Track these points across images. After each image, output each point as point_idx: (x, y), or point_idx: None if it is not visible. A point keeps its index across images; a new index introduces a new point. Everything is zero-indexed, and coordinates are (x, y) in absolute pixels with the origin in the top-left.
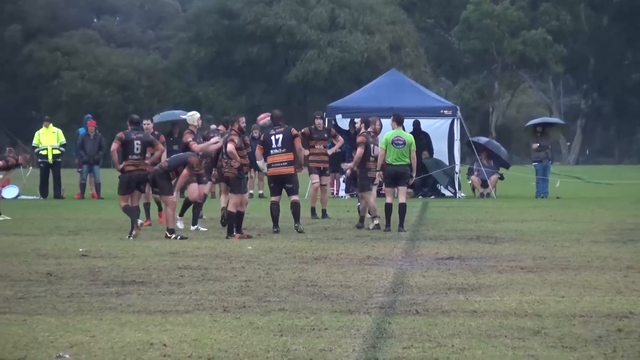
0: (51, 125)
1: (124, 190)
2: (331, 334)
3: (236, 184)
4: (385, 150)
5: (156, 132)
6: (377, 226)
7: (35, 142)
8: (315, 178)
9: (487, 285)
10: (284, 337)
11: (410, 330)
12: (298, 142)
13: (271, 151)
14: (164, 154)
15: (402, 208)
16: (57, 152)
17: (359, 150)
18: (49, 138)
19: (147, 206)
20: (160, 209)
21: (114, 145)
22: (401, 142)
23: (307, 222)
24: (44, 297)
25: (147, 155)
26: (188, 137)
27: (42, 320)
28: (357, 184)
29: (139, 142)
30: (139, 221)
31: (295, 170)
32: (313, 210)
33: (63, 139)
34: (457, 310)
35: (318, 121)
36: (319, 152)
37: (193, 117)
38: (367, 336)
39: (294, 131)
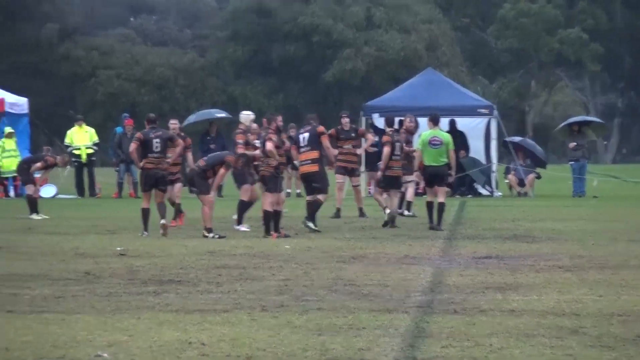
0: (84, 124)
1: (143, 188)
2: (369, 333)
3: (272, 183)
4: (422, 150)
5: (182, 134)
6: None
7: (67, 141)
8: (340, 178)
9: (525, 284)
10: (322, 336)
11: (448, 330)
12: (325, 140)
13: (300, 150)
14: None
15: (441, 207)
16: (90, 150)
17: (386, 150)
18: (81, 137)
19: (178, 206)
20: (179, 212)
21: (133, 146)
22: (438, 142)
23: (344, 220)
24: (82, 296)
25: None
26: (239, 139)
27: (81, 319)
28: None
29: (157, 140)
30: (162, 221)
31: (322, 168)
32: (338, 211)
33: (96, 138)
34: (495, 310)
35: (344, 120)
36: (346, 152)
37: (248, 117)
38: (405, 335)
39: (320, 129)
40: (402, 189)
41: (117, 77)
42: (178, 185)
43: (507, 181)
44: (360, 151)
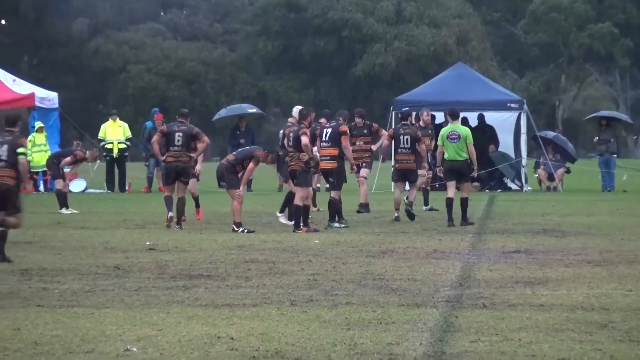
0: (118, 119)
1: (165, 180)
2: (398, 328)
3: (303, 177)
4: (443, 146)
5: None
6: (397, 218)
7: (101, 135)
8: (363, 172)
9: (554, 279)
10: (351, 331)
11: (477, 324)
12: (344, 140)
13: (321, 144)
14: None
15: (463, 202)
16: (123, 146)
17: (384, 143)
18: (114, 132)
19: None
20: (197, 205)
21: (155, 138)
22: (456, 136)
23: (374, 215)
24: (111, 291)
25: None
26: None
27: (110, 313)
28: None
29: (180, 134)
30: (170, 214)
31: (340, 165)
32: (362, 205)
33: (129, 133)
34: (524, 304)
35: (357, 120)
36: (358, 148)
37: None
38: (434, 330)
39: (342, 128)
40: (423, 184)
41: (147, 71)
42: (193, 180)
43: (536, 175)
44: (375, 147)
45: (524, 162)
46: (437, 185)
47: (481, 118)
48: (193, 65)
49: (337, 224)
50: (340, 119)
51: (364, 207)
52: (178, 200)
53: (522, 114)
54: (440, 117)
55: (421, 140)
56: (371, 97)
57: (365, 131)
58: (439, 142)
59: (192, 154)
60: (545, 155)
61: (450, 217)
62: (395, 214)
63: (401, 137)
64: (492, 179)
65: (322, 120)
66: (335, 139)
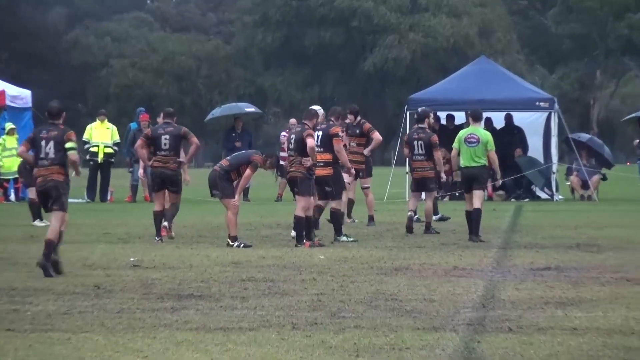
0: (106, 120)
1: (152, 188)
2: (413, 354)
3: (305, 185)
4: (459, 150)
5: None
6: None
7: (86, 136)
8: (346, 178)
9: (588, 299)
10: (360, 358)
11: (502, 350)
12: (337, 143)
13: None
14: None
15: (476, 214)
16: (109, 150)
17: (405, 152)
18: (102, 134)
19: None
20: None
21: (139, 143)
22: (474, 140)
23: (387, 227)
24: (90, 313)
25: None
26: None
27: (89, 338)
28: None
29: (167, 136)
30: (164, 223)
31: (337, 171)
32: (370, 218)
33: (117, 137)
34: (555, 328)
35: (350, 117)
36: (351, 150)
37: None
38: (454, 357)
39: (333, 130)
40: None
41: (132, 66)
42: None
43: (568, 183)
44: (366, 152)
45: (554, 168)
46: (456, 194)
47: (509, 118)
48: (183, 60)
49: (344, 238)
50: (332, 118)
51: (370, 220)
52: (170, 205)
53: (553, 113)
54: (460, 117)
55: (437, 145)
56: (383, 95)
57: (357, 131)
58: (455, 145)
59: (182, 159)
60: (578, 160)
61: (470, 230)
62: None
63: (415, 142)
64: (518, 187)
65: (292, 120)
66: (326, 143)
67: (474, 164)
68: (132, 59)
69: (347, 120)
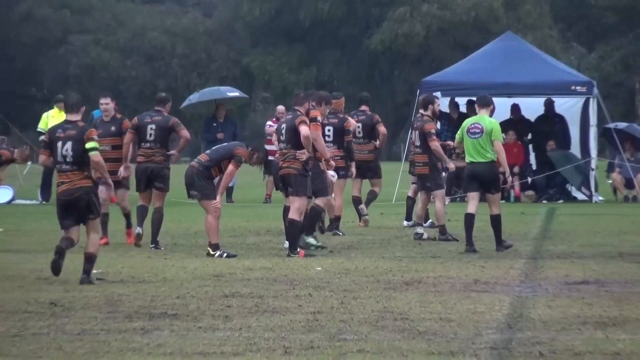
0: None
1: (137, 186)
2: None
3: (301, 184)
4: (461, 142)
5: (118, 116)
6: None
7: (41, 126)
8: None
9: (633, 318)
10: None
11: None
12: (314, 129)
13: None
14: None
15: (494, 221)
16: None
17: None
18: None
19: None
20: (128, 225)
21: (128, 136)
22: (478, 131)
23: (396, 234)
24: (46, 335)
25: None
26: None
27: None
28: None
29: (153, 126)
30: (138, 229)
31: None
32: (332, 221)
33: None
34: (594, 352)
35: (364, 108)
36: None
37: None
38: None
39: (300, 119)
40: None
41: (95, 44)
42: (121, 191)
43: (610, 182)
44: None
45: (593, 163)
46: (457, 198)
47: (549, 105)
48: (156, 36)
49: (312, 240)
50: (313, 103)
51: (333, 224)
52: (154, 212)
53: (592, 99)
54: None
55: (431, 134)
56: (391, 78)
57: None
58: (457, 136)
59: (171, 152)
60: (621, 154)
61: (469, 239)
62: (418, 230)
63: (411, 132)
64: (551, 186)
65: (280, 108)
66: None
67: (480, 160)
68: (95, 35)
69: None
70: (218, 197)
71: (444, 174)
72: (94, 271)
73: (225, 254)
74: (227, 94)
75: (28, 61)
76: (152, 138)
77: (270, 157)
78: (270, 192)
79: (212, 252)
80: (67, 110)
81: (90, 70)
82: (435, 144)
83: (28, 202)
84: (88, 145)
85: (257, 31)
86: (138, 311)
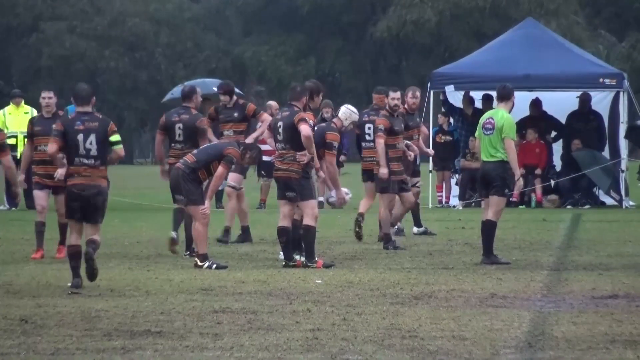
0: (23, 102)
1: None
2: None
3: (306, 188)
4: (479, 139)
5: (61, 113)
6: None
7: None
8: (231, 178)
9: None
10: None
11: None
12: (305, 127)
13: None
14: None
15: (485, 227)
16: None
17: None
18: (19, 121)
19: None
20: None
21: (158, 137)
22: (490, 127)
23: (404, 243)
24: (16, 355)
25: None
26: (306, 128)
27: None
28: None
29: (180, 125)
30: (173, 234)
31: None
32: (226, 232)
33: None
34: None
35: (223, 98)
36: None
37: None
38: None
39: (298, 117)
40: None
41: (69, 32)
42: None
43: None
44: (251, 138)
45: (623, 165)
46: (472, 203)
47: (585, 100)
48: (137, 23)
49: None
50: (294, 102)
51: (226, 235)
52: (187, 216)
53: (622, 93)
54: None
55: (379, 130)
56: (399, 70)
57: (235, 114)
58: (476, 134)
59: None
60: None
61: (487, 249)
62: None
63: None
64: (576, 190)
65: (272, 103)
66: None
67: (490, 159)
68: (70, 22)
69: (221, 103)
70: (206, 203)
71: (457, 175)
72: (70, 284)
73: (214, 265)
74: (214, 88)
75: None
76: (181, 138)
77: (265, 158)
78: (265, 197)
79: (200, 263)
80: (79, 102)
81: (65, 61)
82: (380, 141)
83: None
84: (113, 138)
85: (250, 18)
86: (118, 328)
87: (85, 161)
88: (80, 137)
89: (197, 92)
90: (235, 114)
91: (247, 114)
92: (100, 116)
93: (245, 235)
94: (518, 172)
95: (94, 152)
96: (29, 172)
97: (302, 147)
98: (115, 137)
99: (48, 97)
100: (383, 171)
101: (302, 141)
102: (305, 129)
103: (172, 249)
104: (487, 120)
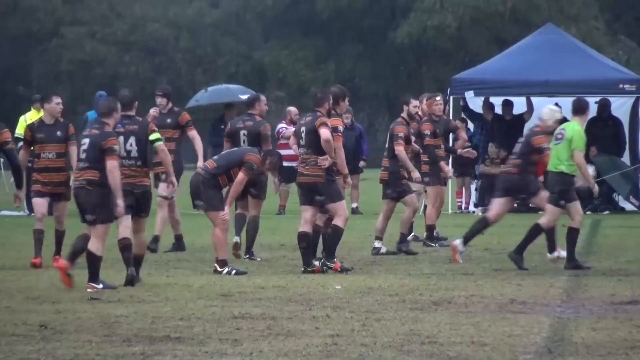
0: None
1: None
2: None
3: (334, 190)
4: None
5: (62, 120)
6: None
7: (19, 131)
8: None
9: None
10: None
11: None
12: (325, 131)
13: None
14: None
15: (533, 232)
16: None
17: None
18: None
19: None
20: (58, 250)
21: (225, 145)
22: (560, 137)
23: (423, 249)
24: None
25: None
26: (326, 132)
27: None
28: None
29: (245, 131)
30: (236, 238)
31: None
32: (154, 240)
33: None
34: None
35: (160, 100)
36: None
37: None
38: None
39: (319, 121)
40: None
41: (90, 37)
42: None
43: None
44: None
45: None
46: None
47: (604, 106)
48: (157, 28)
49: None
50: (317, 107)
51: (154, 243)
52: (249, 220)
53: None
54: (520, 104)
55: (397, 137)
56: (419, 75)
57: (168, 120)
58: (551, 144)
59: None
60: None
61: (571, 256)
62: (375, 244)
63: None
64: (596, 196)
65: (291, 109)
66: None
67: (552, 169)
68: (90, 27)
69: (156, 109)
70: (226, 208)
71: (476, 181)
72: (89, 290)
73: (234, 271)
74: (239, 95)
75: (16, 56)
76: (245, 145)
77: (286, 163)
78: (284, 203)
79: (219, 269)
80: (123, 108)
81: (85, 66)
82: (400, 149)
83: (13, 213)
84: (152, 137)
85: (269, 22)
86: (137, 334)
87: (127, 162)
88: (121, 139)
89: (262, 100)
90: (169, 120)
91: (179, 122)
92: (140, 119)
93: (178, 244)
94: (593, 182)
95: (134, 153)
96: (29, 179)
97: (323, 151)
98: (154, 135)
99: (56, 103)
100: (416, 175)
101: (322, 145)
102: (325, 133)
103: (236, 253)
104: (559, 132)
